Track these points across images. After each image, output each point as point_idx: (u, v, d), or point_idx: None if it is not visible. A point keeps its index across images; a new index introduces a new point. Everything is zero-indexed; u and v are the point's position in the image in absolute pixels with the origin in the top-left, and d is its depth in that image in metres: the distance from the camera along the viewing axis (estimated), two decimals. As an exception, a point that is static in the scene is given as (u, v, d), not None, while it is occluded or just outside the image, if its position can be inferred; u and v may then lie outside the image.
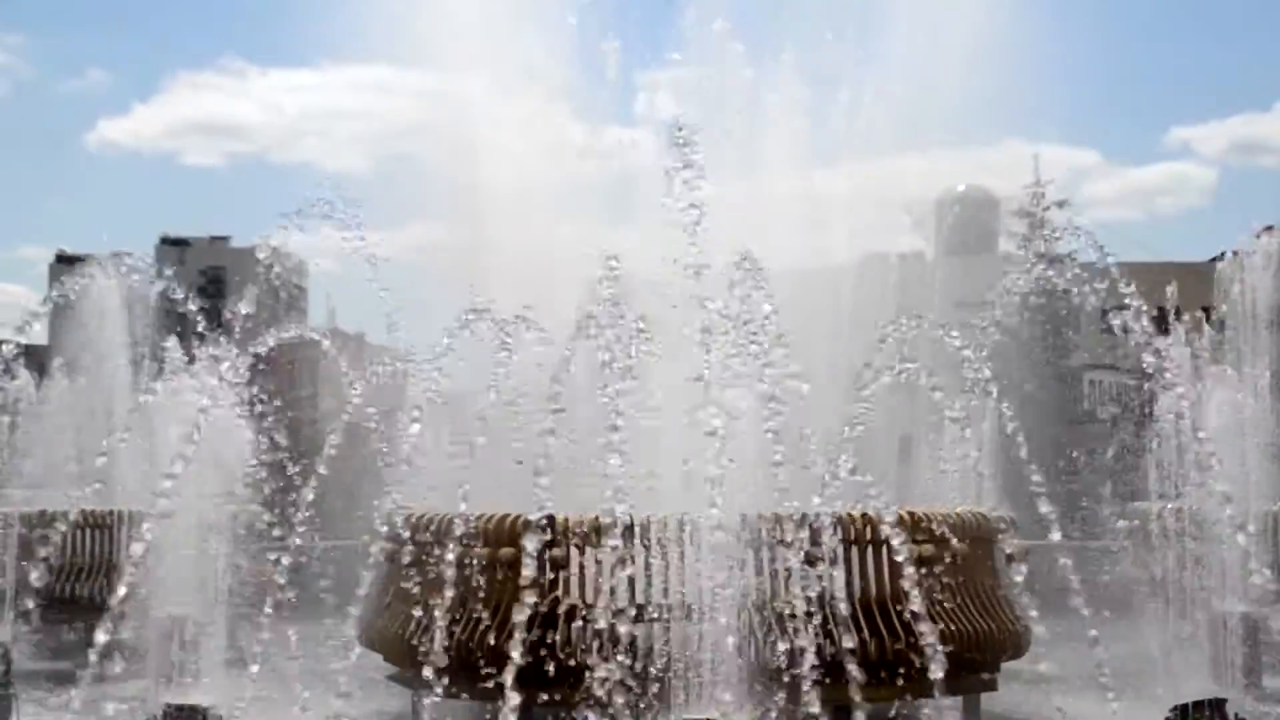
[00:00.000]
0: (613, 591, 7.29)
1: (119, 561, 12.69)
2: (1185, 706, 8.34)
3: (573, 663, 7.58)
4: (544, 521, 7.39)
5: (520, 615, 7.00)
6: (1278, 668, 10.83)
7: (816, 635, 7.05)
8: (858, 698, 6.74)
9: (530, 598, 7.02)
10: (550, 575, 7.91)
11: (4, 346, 9.39)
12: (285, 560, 8.16)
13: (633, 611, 7.34)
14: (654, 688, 7.18)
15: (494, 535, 8.18)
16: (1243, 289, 14.44)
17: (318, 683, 8.33)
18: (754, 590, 7.69)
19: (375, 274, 10.83)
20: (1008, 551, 8.72)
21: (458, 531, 7.76)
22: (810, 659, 6.73)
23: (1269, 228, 15.58)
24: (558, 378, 7.48)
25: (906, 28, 15.23)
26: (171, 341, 12.12)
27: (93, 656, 7.23)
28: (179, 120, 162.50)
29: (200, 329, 10.02)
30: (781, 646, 7.10)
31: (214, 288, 77.92)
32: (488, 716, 6.85)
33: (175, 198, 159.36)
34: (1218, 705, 8.38)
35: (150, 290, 14.46)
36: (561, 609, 7.91)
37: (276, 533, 9.04)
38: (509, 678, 6.63)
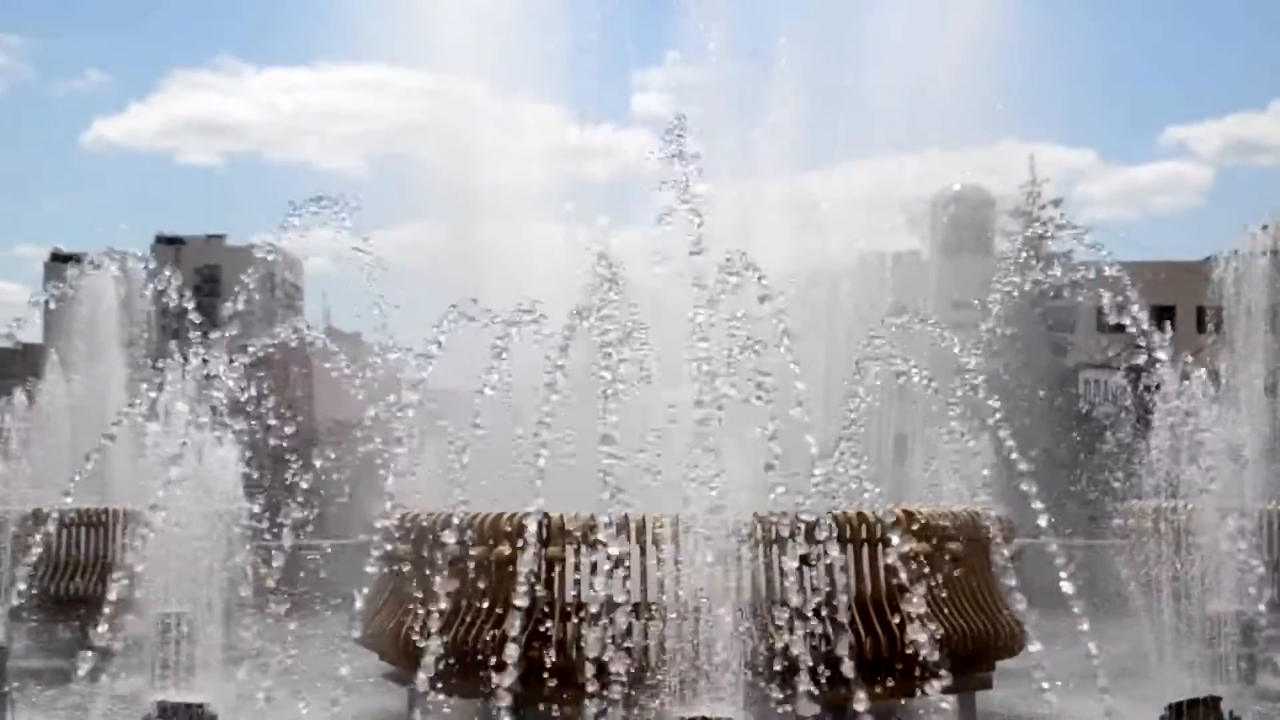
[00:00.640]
0: (608, 590, 7.28)
1: (114, 559, 12.70)
2: (1180, 705, 8.34)
3: (568, 661, 7.57)
4: (539, 519, 7.39)
5: (515, 614, 6.99)
6: (1273, 666, 10.84)
7: (813, 634, 7.04)
8: (854, 696, 6.74)
9: (525, 596, 7.02)
10: (546, 574, 7.90)
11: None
12: (278, 559, 8.16)
13: (629, 610, 7.34)
14: (649, 686, 7.18)
15: (489, 533, 8.17)
16: (1238, 287, 14.45)
17: (314, 681, 8.32)
18: (750, 589, 7.69)
19: (370, 273, 10.83)
20: (1003, 550, 8.72)
21: (453, 530, 7.76)
22: (806, 658, 6.73)
23: (1265, 226, 15.61)
24: (555, 361, 7.47)
25: (902, 28, 15.24)
26: (167, 343, 12.12)
27: (87, 654, 7.24)
28: (175, 119, 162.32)
29: (195, 328, 10.01)
30: (778, 645, 7.10)
31: (209, 286, 77.89)
32: (483, 715, 6.86)
33: (171, 196, 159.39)
34: (1213, 704, 8.37)
35: (145, 288, 14.47)
36: (557, 607, 7.90)
37: (269, 531, 9.04)
38: (504, 676, 6.63)
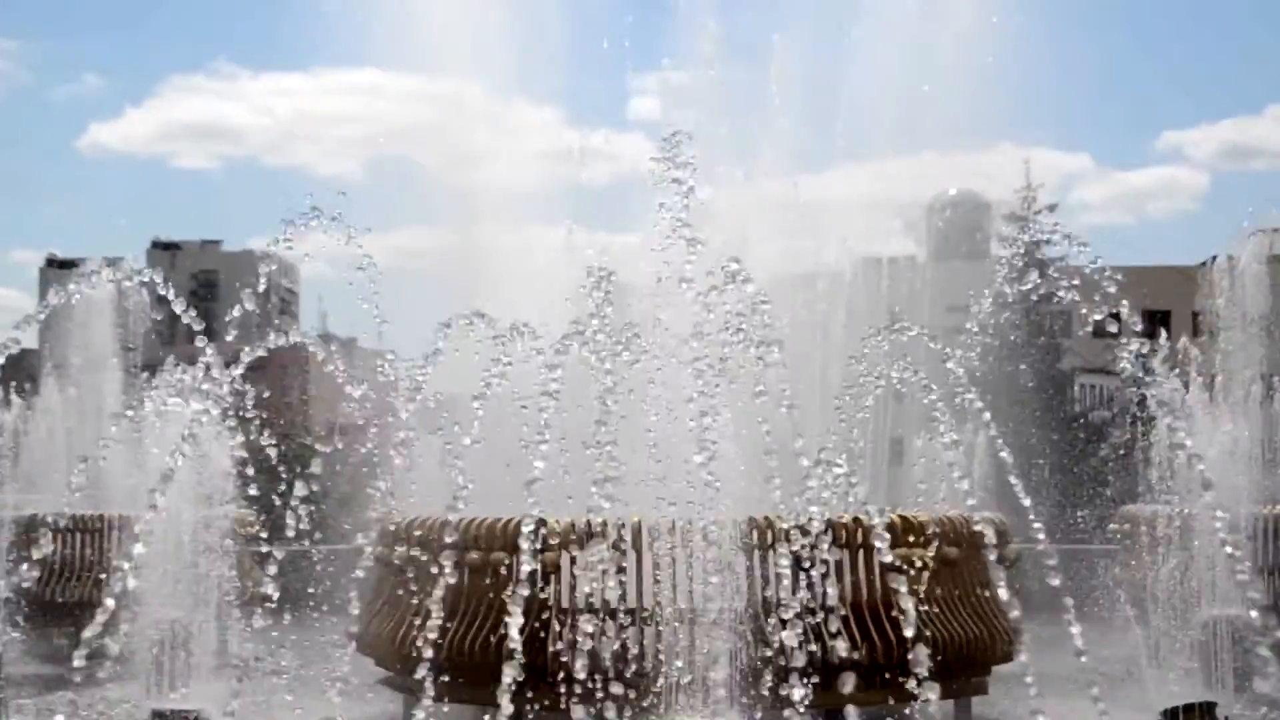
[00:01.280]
0: (604, 594, 7.28)
1: (108, 565, 12.68)
2: (1175, 710, 8.36)
3: (565, 667, 7.57)
4: (535, 525, 7.38)
5: (512, 619, 6.99)
6: (1267, 672, 10.84)
7: (807, 639, 7.05)
8: (849, 701, 6.74)
9: (522, 601, 7.01)
10: (542, 579, 7.90)
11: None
12: (273, 564, 8.14)
13: (624, 615, 7.35)
14: (645, 691, 7.19)
15: (485, 539, 8.18)
16: (1233, 293, 14.45)
17: (309, 687, 8.32)
18: (745, 593, 7.69)
19: (366, 278, 10.81)
20: (998, 555, 8.72)
21: (449, 535, 7.76)
22: (800, 662, 6.73)
23: (1260, 231, 15.60)
24: (552, 367, 7.47)
25: (898, 32, 15.26)
26: (162, 351, 12.10)
27: (81, 661, 7.22)
28: (171, 124, 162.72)
29: (192, 334, 9.99)
30: (772, 650, 7.10)
31: (206, 291, 77.94)
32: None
33: (167, 201, 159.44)
34: (1208, 709, 8.39)
35: (141, 295, 14.46)
36: (553, 612, 7.90)
37: (265, 536, 9.04)
38: (501, 682, 6.62)
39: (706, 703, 7.05)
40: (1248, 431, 13.15)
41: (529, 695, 7.34)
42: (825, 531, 7.42)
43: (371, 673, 9.43)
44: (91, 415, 16.51)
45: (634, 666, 7.23)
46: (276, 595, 7.55)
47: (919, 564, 8.26)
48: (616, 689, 6.66)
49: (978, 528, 8.99)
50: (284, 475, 8.87)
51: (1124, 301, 8.51)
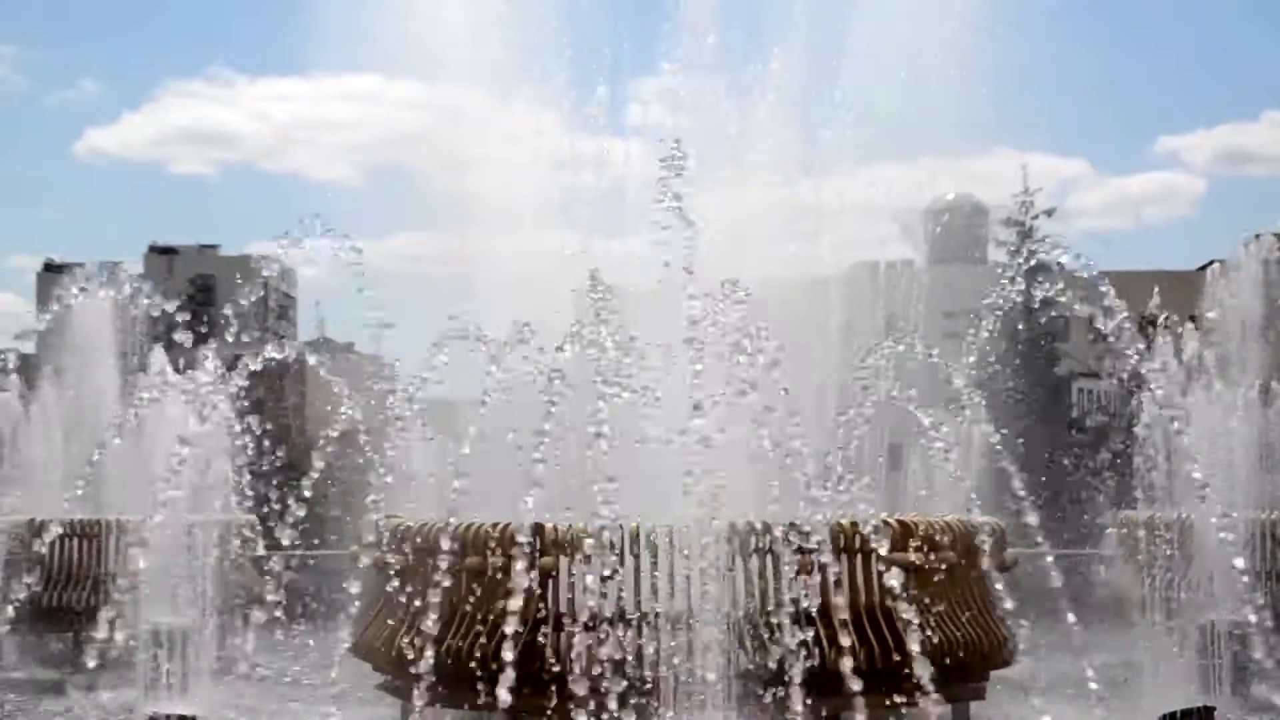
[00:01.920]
0: (602, 600, 7.28)
1: (106, 571, 12.68)
2: (1173, 715, 8.36)
3: (561, 671, 7.57)
4: (532, 530, 7.39)
5: (509, 624, 6.99)
6: (1265, 676, 10.84)
7: (806, 644, 7.05)
8: (848, 705, 6.74)
9: (518, 606, 7.02)
10: (539, 584, 7.90)
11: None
12: (273, 570, 8.15)
13: (622, 620, 7.34)
14: (643, 696, 7.18)
15: (482, 543, 8.17)
16: (1230, 298, 14.47)
17: (307, 691, 8.32)
18: (743, 598, 7.69)
19: (363, 284, 10.82)
20: (997, 560, 8.73)
21: (446, 540, 7.76)
22: (799, 667, 6.74)
23: (1257, 236, 15.63)
24: (552, 377, 7.48)
25: (895, 37, 15.26)
26: (158, 356, 12.08)
27: (80, 666, 7.23)
28: (168, 129, 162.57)
29: (188, 338, 9.99)
30: (771, 655, 7.10)
31: (203, 296, 77.89)
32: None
33: (164, 206, 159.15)
34: (1206, 713, 8.39)
35: (139, 300, 14.46)
36: (550, 617, 7.90)
37: (264, 542, 9.04)
38: (498, 687, 6.62)
39: (703, 708, 7.05)
40: (1245, 436, 13.17)
41: (525, 700, 7.35)
42: (824, 536, 7.43)
43: (368, 678, 9.43)
44: (89, 419, 16.50)
45: (631, 672, 7.22)
46: (275, 600, 7.55)
47: (917, 568, 8.26)
48: (614, 695, 6.66)
49: (975, 533, 9.01)
50: (282, 481, 8.89)
51: (1122, 305, 8.53)
